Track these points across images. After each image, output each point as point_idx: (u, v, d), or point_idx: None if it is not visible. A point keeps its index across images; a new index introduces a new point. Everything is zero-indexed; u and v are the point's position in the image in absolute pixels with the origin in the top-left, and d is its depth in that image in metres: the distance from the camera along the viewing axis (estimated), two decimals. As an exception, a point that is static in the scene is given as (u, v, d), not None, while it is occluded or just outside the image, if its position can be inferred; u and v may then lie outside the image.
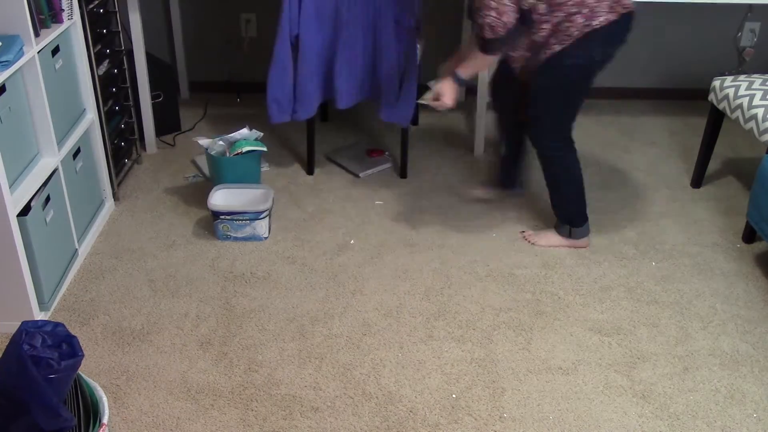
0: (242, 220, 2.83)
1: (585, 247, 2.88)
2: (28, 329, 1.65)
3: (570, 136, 2.71)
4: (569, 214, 2.85)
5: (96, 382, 1.86)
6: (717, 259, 2.83)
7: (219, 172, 3.05)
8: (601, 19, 2.45)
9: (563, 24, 2.46)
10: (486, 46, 2.48)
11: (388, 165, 3.44)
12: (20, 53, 2.27)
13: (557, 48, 2.50)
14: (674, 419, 2.12)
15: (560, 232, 2.89)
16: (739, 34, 4.03)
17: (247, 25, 4.02)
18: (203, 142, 3.13)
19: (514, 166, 3.12)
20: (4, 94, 2.24)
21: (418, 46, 3.13)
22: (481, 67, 2.83)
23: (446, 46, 4.06)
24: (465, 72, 2.60)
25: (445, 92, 2.60)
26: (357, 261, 2.78)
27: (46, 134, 2.48)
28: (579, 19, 2.44)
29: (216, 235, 2.88)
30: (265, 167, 3.38)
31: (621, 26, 2.50)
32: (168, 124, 3.69)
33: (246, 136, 3.11)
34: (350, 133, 3.76)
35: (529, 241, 2.90)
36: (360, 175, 3.34)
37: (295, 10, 2.89)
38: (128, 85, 3.27)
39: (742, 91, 2.95)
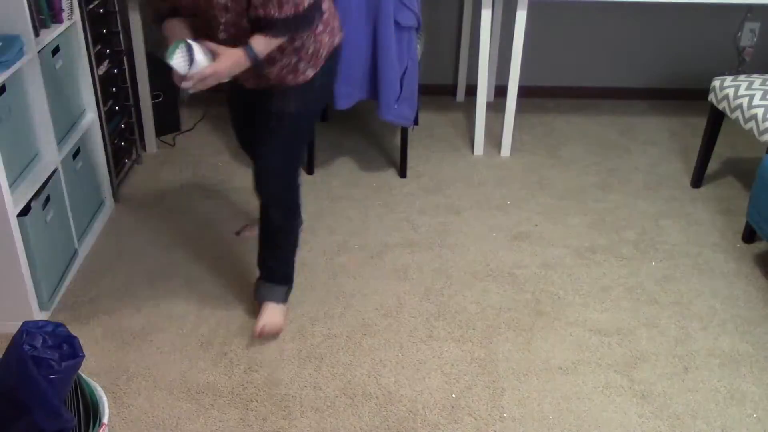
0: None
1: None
2: (29, 330, 1.65)
3: (299, 179, 2.35)
4: (290, 271, 2.43)
5: (96, 382, 1.86)
6: (717, 259, 2.83)
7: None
8: (336, 40, 2.18)
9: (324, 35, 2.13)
10: (287, 24, 1.97)
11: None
12: (20, 53, 2.27)
13: (310, 70, 2.15)
14: (674, 419, 2.12)
15: (276, 299, 2.39)
16: (739, 34, 4.03)
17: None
18: None
19: None
20: (4, 94, 2.24)
21: (418, 46, 3.14)
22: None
23: (446, 46, 4.07)
24: (261, 47, 1.99)
25: (225, 66, 1.95)
26: (357, 261, 2.78)
27: (46, 134, 2.48)
28: (326, 38, 2.14)
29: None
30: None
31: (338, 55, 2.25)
32: (168, 124, 3.69)
33: None
34: (350, 133, 3.76)
35: (259, 334, 2.35)
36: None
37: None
38: (128, 85, 3.27)
39: (742, 91, 2.96)
